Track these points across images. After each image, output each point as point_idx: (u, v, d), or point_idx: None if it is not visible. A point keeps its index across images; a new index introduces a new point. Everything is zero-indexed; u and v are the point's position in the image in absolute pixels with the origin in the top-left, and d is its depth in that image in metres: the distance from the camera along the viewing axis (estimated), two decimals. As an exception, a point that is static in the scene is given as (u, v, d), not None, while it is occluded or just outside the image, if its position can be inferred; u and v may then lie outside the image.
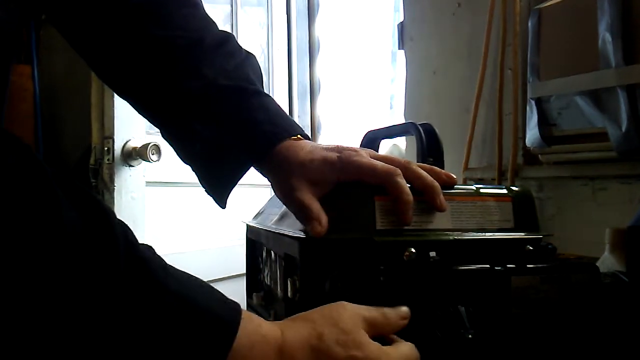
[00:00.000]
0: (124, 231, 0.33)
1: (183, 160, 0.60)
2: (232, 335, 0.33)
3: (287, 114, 0.59)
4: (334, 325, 0.38)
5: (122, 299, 0.30)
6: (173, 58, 0.56)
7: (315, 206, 0.47)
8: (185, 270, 0.36)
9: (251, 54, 0.60)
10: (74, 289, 0.29)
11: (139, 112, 0.62)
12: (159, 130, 0.62)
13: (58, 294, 0.28)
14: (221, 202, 0.59)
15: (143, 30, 0.56)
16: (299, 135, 0.54)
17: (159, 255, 0.35)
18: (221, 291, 0.37)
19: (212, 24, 0.60)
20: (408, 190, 0.48)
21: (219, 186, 0.58)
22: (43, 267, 0.28)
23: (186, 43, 0.56)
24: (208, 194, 0.59)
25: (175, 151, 0.60)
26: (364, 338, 0.39)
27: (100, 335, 0.30)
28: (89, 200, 0.32)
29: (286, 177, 0.50)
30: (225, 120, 0.55)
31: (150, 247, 0.35)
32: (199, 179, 0.59)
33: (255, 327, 0.36)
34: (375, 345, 0.39)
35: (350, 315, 0.40)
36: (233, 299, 0.37)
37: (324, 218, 0.47)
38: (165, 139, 0.62)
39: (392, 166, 0.49)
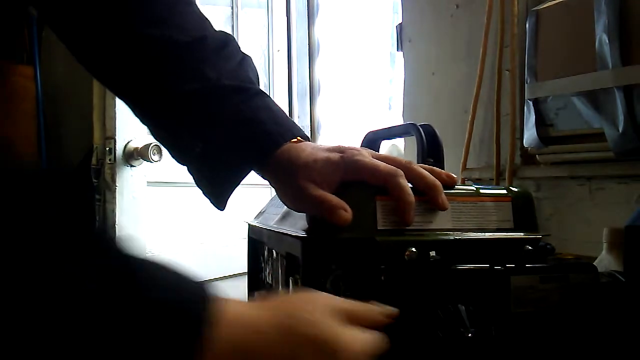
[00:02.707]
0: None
1: (179, 162, 0.59)
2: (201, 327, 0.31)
3: (288, 114, 0.58)
4: (302, 306, 0.37)
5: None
6: (173, 58, 0.55)
7: (333, 197, 0.48)
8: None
9: (247, 55, 0.60)
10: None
11: (134, 113, 0.61)
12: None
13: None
14: (220, 204, 0.58)
15: (139, 30, 0.55)
16: (298, 137, 0.54)
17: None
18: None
19: (209, 22, 0.59)
20: (410, 190, 0.48)
21: (218, 188, 0.57)
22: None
23: (186, 42, 0.55)
24: (206, 196, 0.58)
25: (171, 153, 0.59)
26: (330, 320, 0.37)
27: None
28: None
29: (292, 180, 0.50)
30: (228, 119, 0.54)
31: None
32: (195, 181, 0.58)
33: (225, 307, 0.33)
34: (332, 326, 0.37)
35: (320, 301, 0.39)
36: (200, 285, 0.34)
37: (346, 205, 0.47)
38: (160, 141, 0.61)
39: (393, 167, 0.49)
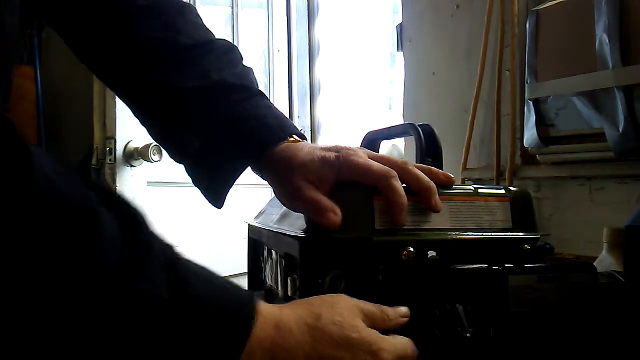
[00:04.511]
0: (159, 245, 0.34)
1: (177, 160, 0.59)
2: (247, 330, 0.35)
3: (288, 114, 0.60)
4: (331, 308, 0.39)
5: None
6: (177, 57, 0.56)
7: (325, 199, 0.48)
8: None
9: (249, 66, 0.61)
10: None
11: (133, 111, 0.61)
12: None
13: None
14: (218, 202, 0.58)
15: (146, 32, 0.56)
16: (295, 137, 0.55)
17: (179, 257, 0.36)
18: None
19: (213, 34, 0.61)
20: (402, 192, 0.48)
21: (217, 185, 0.57)
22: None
23: (191, 44, 0.57)
24: (203, 194, 0.58)
25: (169, 150, 0.59)
26: (359, 323, 0.39)
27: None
28: (124, 206, 0.33)
29: (288, 178, 0.51)
30: (229, 114, 0.55)
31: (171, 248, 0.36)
32: (193, 180, 0.59)
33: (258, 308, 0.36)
34: (371, 330, 0.39)
35: (348, 303, 0.41)
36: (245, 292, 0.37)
37: (336, 208, 0.47)
38: (158, 139, 0.61)
39: (387, 167, 0.49)
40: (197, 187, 0.59)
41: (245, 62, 0.61)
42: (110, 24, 0.57)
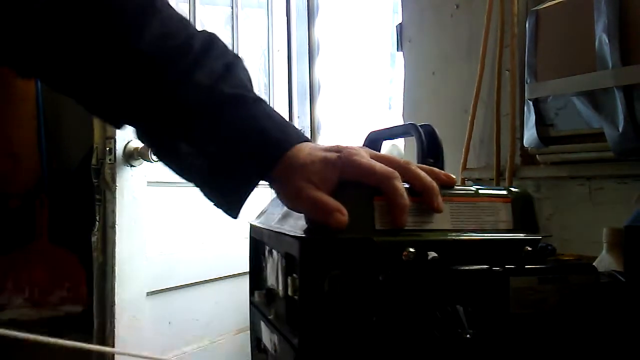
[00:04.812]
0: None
1: (183, 177, 0.56)
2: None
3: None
4: None
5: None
6: (161, 68, 0.52)
7: (331, 199, 0.48)
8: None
9: (237, 55, 0.57)
10: None
11: (113, 125, 0.59)
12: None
13: None
14: (234, 213, 0.55)
15: (122, 44, 0.52)
16: None
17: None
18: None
19: (190, 23, 0.57)
20: (404, 193, 0.48)
21: (230, 200, 0.55)
22: None
23: (173, 49, 0.53)
24: (217, 207, 0.55)
25: (174, 169, 0.56)
26: None
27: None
28: None
29: (290, 180, 0.50)
30: (230, 132, 0.52)
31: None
32: (204, 194, 0.56)
33: None
34: None
35: None
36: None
37: (343, 208, 0.47)
38: (160, 158, 0.57)
39: (390, 168, 0.49)
40: (210, 200, 0.56)
41: (227, 48, 0.57)
42: (99, 45, 0.52)
